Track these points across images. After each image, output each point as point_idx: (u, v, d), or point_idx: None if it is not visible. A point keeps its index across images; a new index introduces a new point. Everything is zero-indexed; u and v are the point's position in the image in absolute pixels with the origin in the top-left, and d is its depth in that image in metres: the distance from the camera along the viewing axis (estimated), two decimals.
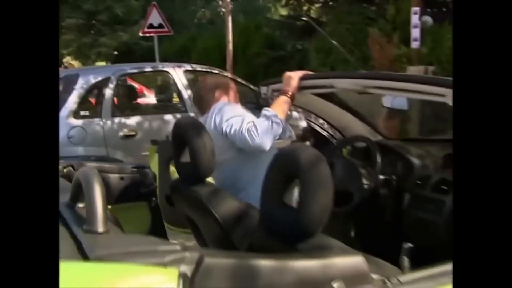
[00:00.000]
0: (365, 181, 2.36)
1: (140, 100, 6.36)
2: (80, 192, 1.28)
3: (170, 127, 2.19)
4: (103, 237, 1.13)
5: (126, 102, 5.70)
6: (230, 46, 9.43)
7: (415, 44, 8.17)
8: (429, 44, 8.41)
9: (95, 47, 14.41)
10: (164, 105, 6.13)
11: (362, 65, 9.35)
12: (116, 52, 14.63)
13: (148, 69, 5.76)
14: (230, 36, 9.41)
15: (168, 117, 4.93)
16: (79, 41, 14.30)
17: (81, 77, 4.72)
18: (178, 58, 11.60)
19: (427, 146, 2.57)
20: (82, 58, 14.88)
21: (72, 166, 2.07)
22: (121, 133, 4.74)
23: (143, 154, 4.26)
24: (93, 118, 4.66)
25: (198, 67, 5.93)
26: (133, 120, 4.91)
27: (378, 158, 2.36)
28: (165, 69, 5.54)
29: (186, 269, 1.00)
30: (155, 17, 9.31)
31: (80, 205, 1.32)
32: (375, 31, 8.86)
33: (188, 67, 5.67)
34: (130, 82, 6.15)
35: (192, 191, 1.85)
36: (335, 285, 1.09)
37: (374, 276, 1.18)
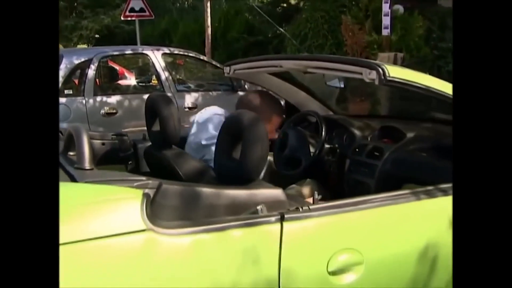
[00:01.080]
0: (312, 149, 2.76)
1: (121, 81, 6.67)
2: (71, 143, 1.66)
3: None
4: (89, 171, 1.51)
5: (108, 83, 6.03)
6: (209, 30, 9.75)
7: (385, 32, 8.54)
8: (398, 32, 8.80)
9: (77, 30, 14.55)
10: (144, 86, 6.46)
11: (336, 51, 9.75)
12: (97, 35, 14.78)
13: (129, 51, 6.07)
14: (209, 21, 9.72)
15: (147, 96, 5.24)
16: (61, 23, 14.39)
17: (65, 58, 5.03)
18: (159, 41, 11.84)
19: (367, 120, 2.98)
20: (64, 40, 14.93)
21: (60, 132, 2.44)
22: (102, 111, 5.09)
23: (124, 131, 4.62)
24: (76, 97, 5.00)
25: (176, 51, 6.28)
26: (113, 99, 5.26)
27: (324, 130, 2.75)
28: (144, 52, 5.86)
29: (149, 191, 1.38)
30: (136, 1, 9.53)
31: (71, 153, 1.71)
32: (348, 19, 9.20)
33: (166, 50, 6.01)
34: (112, 64, 6.47)
35: (161, 154, 2.21)
36: (258, 207, 1.50)
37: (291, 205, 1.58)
